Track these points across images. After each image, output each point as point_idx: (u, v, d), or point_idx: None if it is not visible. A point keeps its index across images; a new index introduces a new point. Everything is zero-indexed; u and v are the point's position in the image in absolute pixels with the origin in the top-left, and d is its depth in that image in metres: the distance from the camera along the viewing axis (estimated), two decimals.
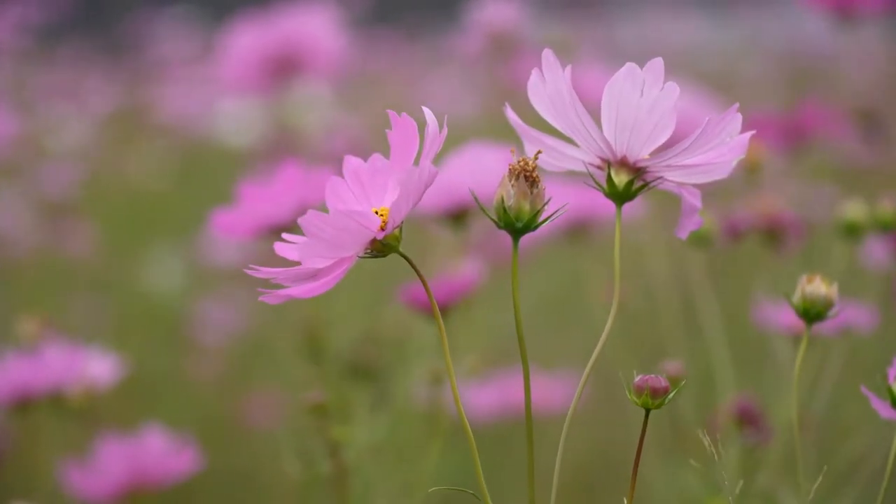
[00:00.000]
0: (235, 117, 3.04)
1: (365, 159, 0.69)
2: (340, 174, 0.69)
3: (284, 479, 1.91)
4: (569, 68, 0.72)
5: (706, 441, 0.74)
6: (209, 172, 3.17)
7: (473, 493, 0.68)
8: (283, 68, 1.95)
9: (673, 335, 1.31)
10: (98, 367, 1.27)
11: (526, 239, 1.50)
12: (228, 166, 2.81)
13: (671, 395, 0.69)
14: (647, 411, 0.70)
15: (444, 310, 1.16)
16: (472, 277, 1.18)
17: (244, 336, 2.34)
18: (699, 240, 1.16)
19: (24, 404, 1.25)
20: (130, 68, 4.47)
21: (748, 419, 1.07)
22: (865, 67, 3.29)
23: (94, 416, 1.29)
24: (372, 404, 1.22)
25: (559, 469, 0.71)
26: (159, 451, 1.25)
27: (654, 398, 0.69)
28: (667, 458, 1.36)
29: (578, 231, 1.47)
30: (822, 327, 1.22)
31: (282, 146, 2.29)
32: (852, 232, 1.13)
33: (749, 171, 1.33)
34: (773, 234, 1.21)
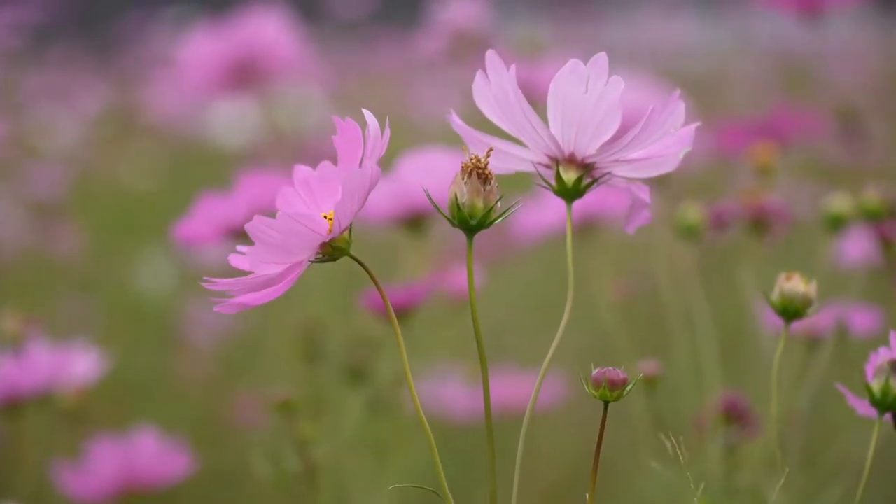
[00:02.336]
0: (227, 118, 3.04)
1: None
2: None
3: (272, 480, 1.91)
4: (513, 68, 0.71)
5: (668, 443, 0.74)
6: (200, 173, 3.17)
7: (434, 490, 0.68)
8: (244, 73, 1.96)
9: (671, 333, 1.31)
10: (82, 364, 1.27)
11: (532, 235, 1.47)
12: (219, 167, 2.81)
13: (629, 387, 0.69)
14: (606, 404, 0.70)
15: (406, 312, 1.16)
16: (432, 284, 1.18)
17: (233, 337, 2.33)
18: (689, 232, 1.16)
19: (14, 406, 1.25)
20: (121, 69, 4.47)
21: (734, 415, 1.07)
22: (855, 66, 3.29)
23: (83, 417, 1.29)
24: (366, 405, 1.22)
25: (518, 473, 0.71)
26: (152, 452, 1.25)
27: (611, 390, 0.69)
28: (656, 457, 1.36)
29: (586, 229, 1.46)
30: (811, 323, 1.22)
31: (273, 147, 2.29)
32: (837, 224, 1.13)
33: (760, 174, 1.32)
34: (759, 223, 1.21)
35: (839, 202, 1.14)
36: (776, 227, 1.21)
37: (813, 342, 1.20)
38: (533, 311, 2.26)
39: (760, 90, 3.40)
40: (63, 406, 1.29)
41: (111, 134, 3.61)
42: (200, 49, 1.95)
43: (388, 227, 1.28)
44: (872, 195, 1.12)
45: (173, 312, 2.41)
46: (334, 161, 0.69)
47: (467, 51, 2.13)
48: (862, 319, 1.28)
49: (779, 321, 0.98)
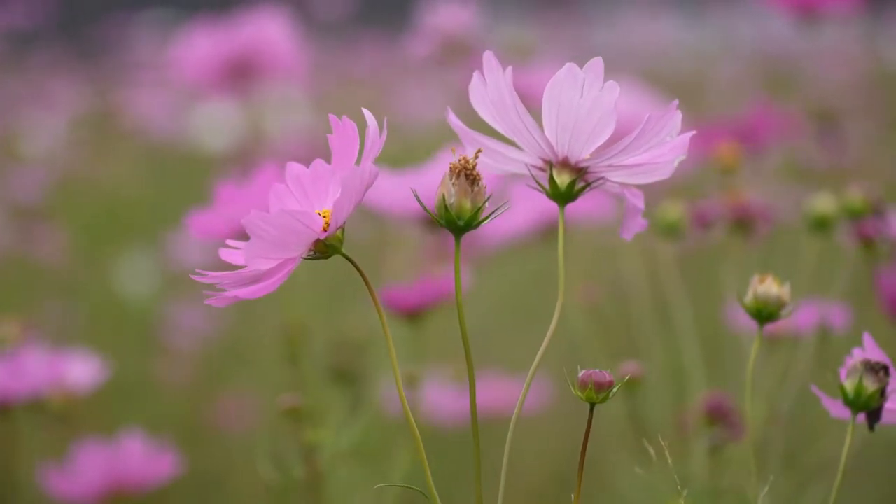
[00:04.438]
0: (209, 121, 3.04)
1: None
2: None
3: (257, 483, 1.91)
4: (510, 70, 0.71)
5: (665, 443, 0.74)
6: (181, 175, 3.17)
7: (421, 490, 0.68)
8: (240, 73, 1.96)
9: (645, 335, 1.31)
10: (79, 371, 1.27)
11: (500, 238, 1.47)
12: (200, 169, 2.81)
13: (615, 389, 0.69)
14: (592, 406, 0.69)
15: (422, 312, 1.17)
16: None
17: (216, 339, 2.33)
18: (670, 231, 1.15)
19: (4, 410, 1.25)
20: (103, 72, 4.46)
21: (719, 416, 1.07)
22: (837, 68, 3.30)
23: (69, 420, 1.29)
24: (350, 408, 1.22)
25: (506, 472, 0.71)
26: (138, 455, 1.25)
27: (598, 392, 0.69)
28: (633, 457, 1.36)
29: (554, 232, 1.46)
30: (793, 324, 1.22)
31: (254, 150, 2.28)
32: (822, 225, 1.13)
33: (724, 174, 1.32)
34: (742, 223, 1.20)
35: (823, 202, 1.13)
36: (759, 228, 1.21)
37: (794, 342, 1.20)
38: (514, 312, 2.26)
39: (743, 91, 3.41)
40: (52, 410, 1.29)
41: (93, 137, 3.60)
42: (199, 46, 1.95)
43: (410, 223, 1.29)
44: (856, 194, 1.11)
45: (156, 315, 2.40)
46: (327, 160, 0.70)
47: (456, 55, 2.13)
48: (840, 318, 1.28)
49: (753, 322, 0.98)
